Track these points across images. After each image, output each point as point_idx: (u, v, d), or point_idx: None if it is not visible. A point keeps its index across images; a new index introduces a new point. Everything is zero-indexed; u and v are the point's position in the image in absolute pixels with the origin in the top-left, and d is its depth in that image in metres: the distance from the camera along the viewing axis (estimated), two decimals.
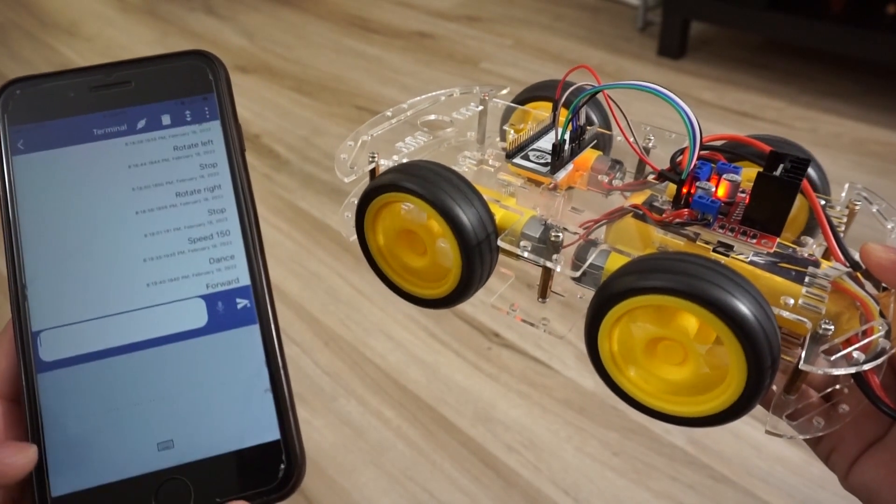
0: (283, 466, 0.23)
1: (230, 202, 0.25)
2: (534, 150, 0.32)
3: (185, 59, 0.27)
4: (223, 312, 0.24)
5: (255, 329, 0.24)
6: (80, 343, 0.23)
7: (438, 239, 0.29)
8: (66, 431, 0.23)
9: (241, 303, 0.24)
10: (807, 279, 0.26)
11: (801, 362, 0.23)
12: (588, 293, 0.27)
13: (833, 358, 0.23)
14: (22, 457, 0.21)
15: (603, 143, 0.33)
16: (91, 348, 0.23)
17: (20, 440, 0.23)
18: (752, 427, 0.70)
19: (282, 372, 0.24)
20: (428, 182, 0.27)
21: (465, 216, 0.27)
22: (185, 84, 0.26)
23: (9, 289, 0.24)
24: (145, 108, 0.26)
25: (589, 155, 0.32)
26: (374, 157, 0.31)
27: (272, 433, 0.23)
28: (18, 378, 0.23)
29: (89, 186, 0.25)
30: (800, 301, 0.25)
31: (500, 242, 0.28)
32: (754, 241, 0.26)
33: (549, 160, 0.31)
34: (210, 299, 0.24)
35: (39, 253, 0.24)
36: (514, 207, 0.30)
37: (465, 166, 0.33)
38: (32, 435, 0.22)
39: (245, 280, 0.24)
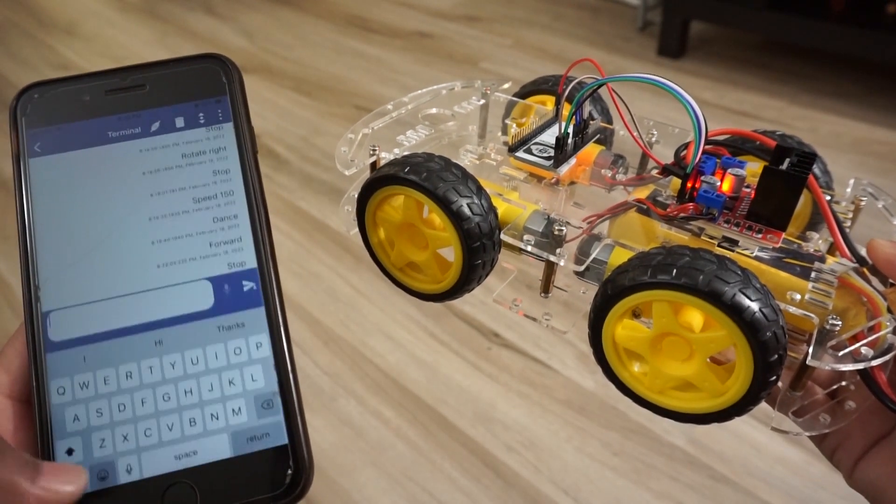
0: (290, 472, 0.22)
1: (241, 204, 0.25)
2: (536, 143, 0.31)
3: (199, 63, 0.27)
4: (233, 312, 0.24)
5: (264, 337, 0.24)
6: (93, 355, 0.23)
7: (440, 232, 0.29)
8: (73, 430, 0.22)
9: (252, 307, 0.24)
10: (813, 275, 0.25)
11: (809, 358, 0.23)
12: (591, 289, 0.26)
13: (840, 354, 0.22)
14: (72, 486, 0.20)
15: (605, 139, 0.33)
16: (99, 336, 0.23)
17: (30, 441, 0.22)
18: (752, 427, 0.70)
19: (291, 377, 0.23)
20: (430, 175, 0.27)
21: (468, 210, 0.27)
22: (198, 87, 0.26)
23: (22, 289, 0.24)
24: (159, 111, 0.26)
25: (592, 149, 0.31)
26: (374, 150, 0.31)
27: (280, 438, 0.23)
28: (30, 379, 0.23)
29: (103, 187, 0.25)
30: (806, 297, 0.25)
31: (502, 236, 0.28)
32: (759, 236, 0.26)
33: (552, 154, 0.30)
34: (218, 297, 0.24)
35: (53, 248, 0.24)
36: (516, 201, 0.29)
37: (466, 160, 0.33)
38: (41, 430, 0.22)
39: (256, 285, 0.24)
